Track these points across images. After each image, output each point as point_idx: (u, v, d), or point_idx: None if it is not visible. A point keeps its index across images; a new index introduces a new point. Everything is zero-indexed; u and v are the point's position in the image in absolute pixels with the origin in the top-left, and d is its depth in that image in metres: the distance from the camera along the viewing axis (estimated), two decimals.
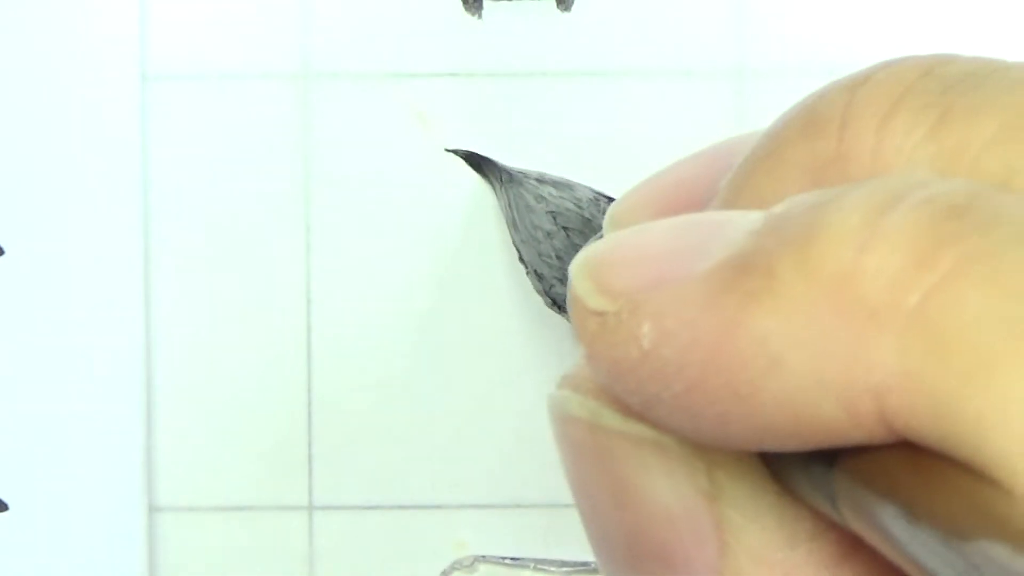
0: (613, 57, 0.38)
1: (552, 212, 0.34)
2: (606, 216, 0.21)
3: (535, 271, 0.35)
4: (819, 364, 0.14)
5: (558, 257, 0.33)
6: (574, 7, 0.38)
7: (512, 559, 0.36)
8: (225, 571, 0.38)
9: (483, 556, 0.36)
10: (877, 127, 0.17)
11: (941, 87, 0.16)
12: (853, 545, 0.16)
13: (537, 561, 0.37)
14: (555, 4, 0.38)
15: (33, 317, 0.38)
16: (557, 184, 0.36)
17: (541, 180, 0.36)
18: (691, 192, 0.20)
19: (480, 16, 0.38)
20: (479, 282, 0.38)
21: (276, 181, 0.38)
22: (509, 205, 0.36)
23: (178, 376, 0.38)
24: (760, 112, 0.38)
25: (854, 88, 0.17)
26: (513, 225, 0.36)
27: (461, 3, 0.38)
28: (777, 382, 0.14)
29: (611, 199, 0.35)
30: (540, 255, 0.34)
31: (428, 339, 0.38)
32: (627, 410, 0.16)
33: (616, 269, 0.16)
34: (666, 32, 0.38)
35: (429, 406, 0.38)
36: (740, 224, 0.15)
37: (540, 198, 0.35)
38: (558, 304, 0.34)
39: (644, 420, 0.16)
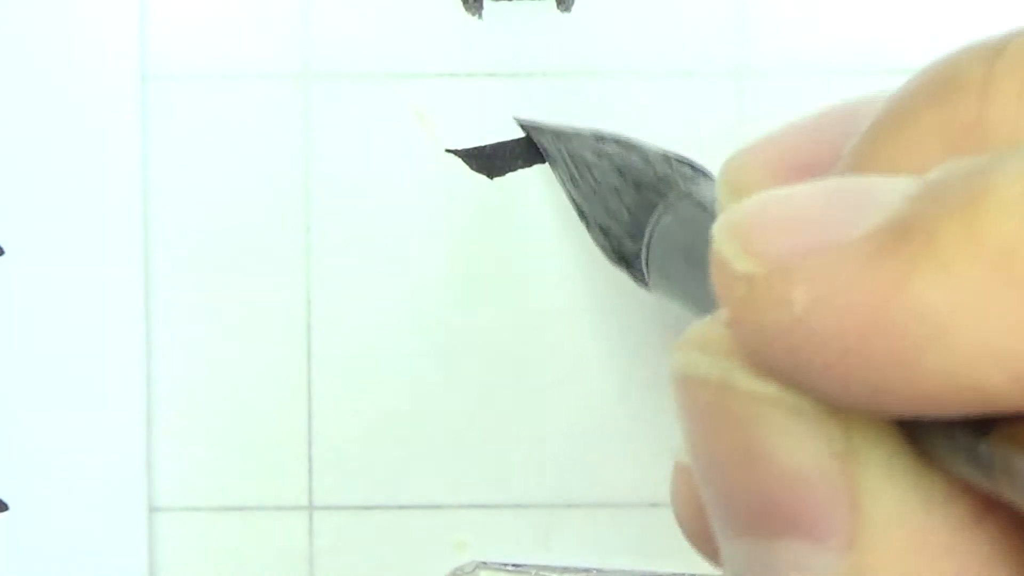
0: (613, 57, 0.38)
1: (619, 168, 0.34)
2: (720, 173, 0.21)
3: (600, 226, 0.34)
4: (988, 332, 0.14)
5: (629, 213, 0.33)
6: (574, 7, 0.38)
7: (514, 565, 0.36)
8: (225, 571, 0.38)
9: (484, 563, 0.36)
10: (1020, 94, 0.17)
11: None
12: (986, 509, 0.16)
13: (539, 567, 0.37)
14: (555, 4, 0.38)
15: (33, 317, 0.38)
16: (619, 141, 0.35)
17: (600, 137, 0.36)
18: (809, 155, 0.20)
19: (480, 16, 0.38)
20: (479, 282, 0.38)
21: (276, 181, 0.38)
22: (566, 161, 0.36)
23: (178, 376, 0.38)
24: (760, 112, 0.38)
25: (992, 56, 0.17)
26: (572, 181, 0.35)
27: (461, 3, 0.38)
28: (941, 350, 0.14)
29: (680, 159, 0.34)
30: (608, 210, 0.34)
31: (428, 339, 0.38)
32: (762, 371, 0.16)
33: (764, 231, 0.16)
34: (666, 32, 0.38)
35: (429, 406, 0.38)
36: (894, 189, 0.15)
37: (602, 154, 0.35)
38: (627, 260, 0.34)
39: (782, 383, 0.16)
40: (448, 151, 0.38)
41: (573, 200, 0.36)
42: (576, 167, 0.35)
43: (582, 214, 0.36)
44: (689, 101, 0.38)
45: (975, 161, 0.15)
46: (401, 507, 0.38)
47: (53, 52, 0.37)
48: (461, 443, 0.38)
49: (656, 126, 0.38)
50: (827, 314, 0.15)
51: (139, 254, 0.38)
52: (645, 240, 0.31)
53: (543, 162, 0.38)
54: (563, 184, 0.36)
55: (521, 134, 0.38)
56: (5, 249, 0.38)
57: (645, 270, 0.32)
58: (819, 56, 0.38)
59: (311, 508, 0.38)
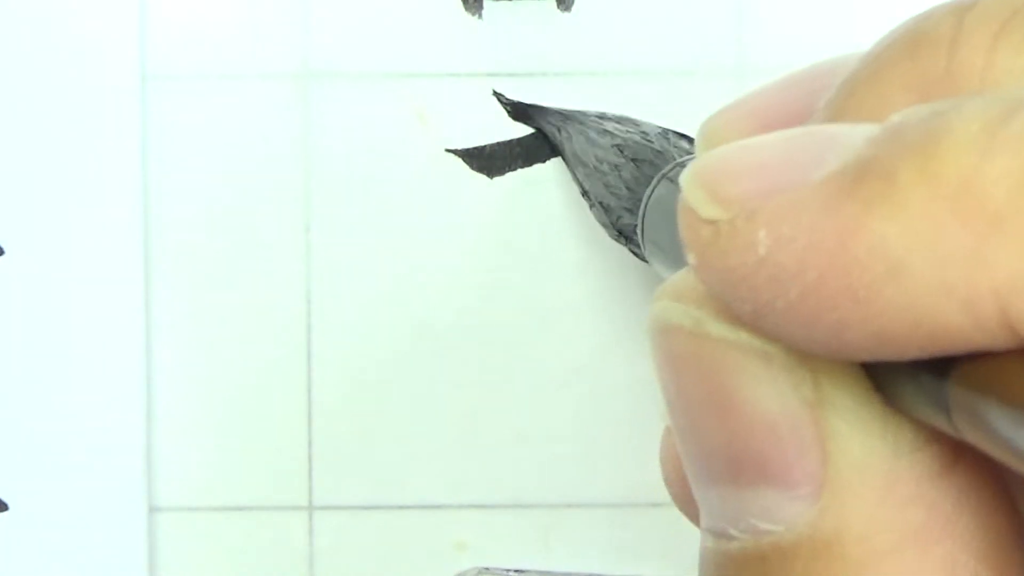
0: (613, 57, 0.38)
1: (618, 145, 0.34)
2: (698, 132, 0.21)
3: (600, 203, 0.35)
4: (941, 267, 0.14)
5: (627, 188, 0.34)
6: (574, 7, 0.38)
7: (516, 571, 0.36)
8: (225, 571, 0.38)
9: (487, 568, 0.36)
10: (988, 47, 0.17)
11: None
12: (955, 457, 0.16)
13: (541, 573, 0.37)
14: (555, 4, 0.38)
15: (33, 317, 0.38)
16: (620, 120, 0.36)
17: (603, 117, 0.36)
18: (786, 112, 0.20)
19: (480, 16, 0.38)
20: (478, 282, 0.38)
21: (276, 181, 0.38)
22: (569, 141, 0.36)
23: (178, 376, 0.38)
24: None
25: (962, 11, 0.17)
26: (575, 159, 0.36)
27: (461, 3, 0.38)
28: (897, 286, 0.14)
29: (679, 134, 0.35)
30: (607, 187, 0.34)
31: (428, 339, 0.38)
32: (732, 318, 0.16)
33: (730, 178, 0.16)
34: (666, 32, 0.38)
35: (429, 406, 0.38)
36: (856, 133, 0.16)
37: (604, 132, 0.35)
38: (625, 235, 0.34)
39: (750, 329, 0.16)
40: (448, 151, 0.38)
41: (576, 179, 0.36)
42: (578, 146, 0.36)
43: (584, 193, 0.36)
44: (689, 101, 0.38)
45: (937, 104, 0.15)
46: (401, 507, 0.38)
47: (53, 52, 0.37)
48: (461, 443, 0.38)
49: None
50: (789, 253, 0.15)
51: (139, 254, 0.38)
52: (640, 212, 0.32)
53: (543, 162, 0.38)
54: (567, 164, 0.37)
55: (521, 134, 0.38)
56: (5, 249, 0.38)
57: (641, 241, 0.32)
58: (818, 56, 0.38)
59: (311, 508, 0.38)
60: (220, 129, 0.38)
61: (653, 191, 0.32)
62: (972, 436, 0.15)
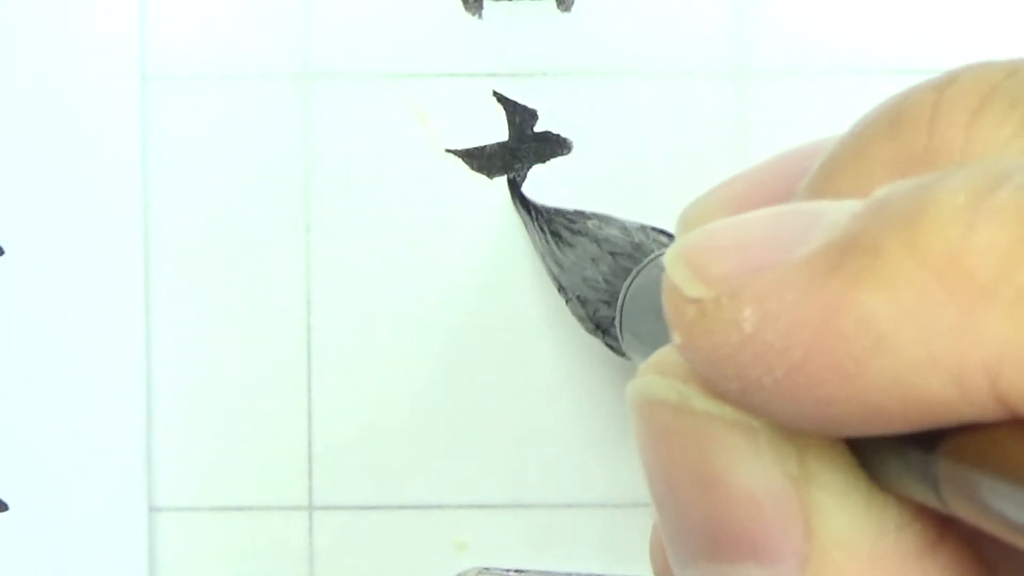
0: (613, 57, 0.38)
1: (597, 240, 0.35)
2: (678, 218, 0.21)
3: (577, 297, 0.35)
4: (929, 341, 0.14)
5: (605, 281, 0.34)
6: (574, 7, 0.38)
7: (517, 571, 0.36)
8: (225, 571, 0.38)
9: (487, 569, 0.36)
10: (967, 123, 0.17)
11: None
12: (940, 535, 0.16)
13: (542, 573, 0.37)
14: (555, 4, 0.38)
15: (33, 317, 0.38)
16: (598, 217, 0.36)
17: (580, 215, 0.36)
18: (764, 196, 0.20)
19: (480, 16, 0.38)
20: (479, 281, 0.38)
21: (276, 181, 0.38)
22: (545, 237, 0.36)
23: (178, 376, 0.38)
24: (760, 112, 0.38)
25: (941, 88, 0.17)
26: (552, 257, 0.36)
27: (461, 3, 0.38)
28: (885, 360, 0.14)
29: (657, 229, 0.35)
30: (585, 280, 0.34)
31: (428, 338, 0.38)
32: (717, 393, 0.16)
33: (713, 256, 0.16)
34: (666, 32, 0.38)
35: (429, 406, 0.38)
36: (841, 208, 0.16)
37: (581, 228, 0.35)
38: (602, 328, 0.34)
39: (736, 404, 0.16)
40: (448, 151, 0.38)
41: (552, 274, 0.36)
42: (557, 245, 0.36)
43: (561, 288, 0.36)
44: (689, 101, 0.38)
45: (920, 179, 0.15)
46: (401, 507, 0.38)
47: (53, 52, 0.37)
48: (461, 443, 0.38)
49: (656, 126, 0.38)
50: (775, 331, 0.15)
51: (139, 254, 0.38)
52: (619, 304, 0.32)
53: (543, 162, 0.38)
54: (543, 259, 0.37)
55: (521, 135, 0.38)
56: (5, 249, 0.38)
57: (620, 334, 0.32)
58: (819, 56, 0.38)
59: (311, 508, 0.38)
60: (220, 129, 0.38)
61: (631, 283, 0.32)
62: (962, 510, 0.15)
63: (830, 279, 0.15)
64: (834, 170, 0.18)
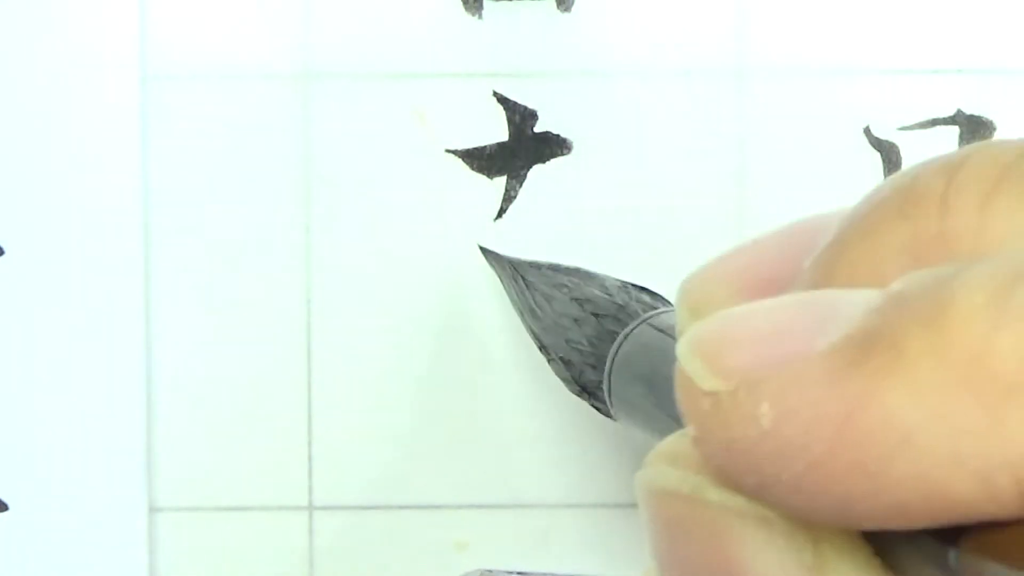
0: (613, 57, 0.38)
1: (578, 299, 0.34)
2: (678, 293, 0.21)
3: (561, 358, 0.35)
4: (954, 440, 0.14)
5: (590, 343, 0.33)
6: (574, 7, 0.38)
7: (519, 574, 0.36)
8: (225, 571, 0.38)
9: (490, 571, 0.36)
10: (979, 206, 0.17)
11: None
12: None
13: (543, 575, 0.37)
14: (555, 4, 0.38)
15: (33, 317, 0.38)
16: (574, 272, 0.35)
17: (555, 269, 0.36)
18: (768, 272, 0.19)
19: (480, 16, 0.38)
20: (479, 282, 0.38)
21: (276, 181, 0.38)
22: (523, 294, 0.36)
23: (178, 376, 0.38)
24: (760, 112, 0.38)
25: (952, 171, 0.17)
26: (531, 313, 0.35)
27: (461, 3, 0.38)
28: (908, 459, 0.14)
29: (638, 287, 0.35)
30: (568, 341, 0.34)
31: (428, 338, 0.38)
32: (732, 486, 0.16)
33: (729, 348, 0.16)
34: (666, 32, 0.38)
35: (429, 406, 0.38)
36: (858, 302, 0.15)
37: (560, 286, 0.35)
38: (588, 391, 0.34)
39: (748, 496, 0.16)
40: (448, 151, 0.38)
41: (533, 333, 0.36)
42: (535, 299, 0.35)
43: (543, 347, 0.35)
44: (689, 101, 0.38)
45: (938, 272, 0.15)
46: (401, 507, 0.38)
47: (53, 52, 0.37)
48: (461, 443, 0.38)
49: (656, 126, 0.38)
50: (794, 428, 0.15)
51: (139, 254, 0.38)
52: (606, 370, 0.32)
53: (543, 163, 0.38)
54: (522, 317, 0.36)
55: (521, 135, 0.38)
56: (5, 249, 0.38)
57: (608, 400, 0.32)
58: (819, 56, 0.38)
59: (311, 508, 0.38)
60: (220, 129, 0.38)
61: (619, 348, 0.32)
62: None
63: (851, 375, 0.15)
64: (843, 251, 0.18)
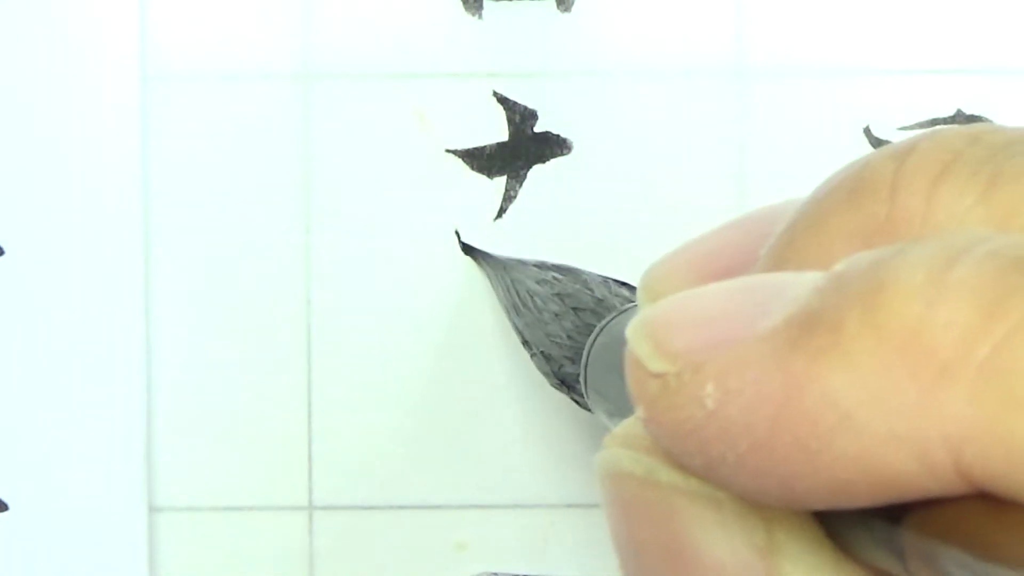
0: (613, 57, 0.38)
1: (559, 294, 0.34)
2: (640, 282, 0.21)
3: (541, 352, 0.35)
4: (892, 418, 0.14)
5: (569, 337, 0.34)
6: (574, 7, 0.38)
7: None
8: (225, 571, 0.38)
9: (495, 574, 0.36)
10: (928, 192, 0.17)
11: (989, 153, 0.17)
12: None
13: None
14: (555, 4, 0.38)
15: (33, 317, 0.38)
16: (559, 268, 0.36)
17: (541, 266, 0.36)
18: (727, 260, 0.20)
19: (480, 16, 0.38)
20: (479, 281, 0.38)
21: (276, 181, 0.38)
22: (508, 290, 0.36)
23: (178, 376, 0.38)
24: (760, 112, 0.38)
25: (902, 156, 0.17)
26: (515, 309, 0.36)
27: (461, 3, 0.38)
28: (848, 437, 0.14)
29: (619, 282, 0.35)
30: (548, 336, 0.34)
31: (428, 339, 0.38)
32: (682, 467, 0.16)
33: (676, 330, 0.16)
34: (666, 32, 0.38)
35: (429, 406, 0.38)
36: (801, 283, 0.16)
37: (543, 282, 0.35)
38: (567, 384, 0.34)
39: (700, 478, 0.16)
40: (448, 151, 0.38)
41: (516, 328, 0.36)
42: (519, 295, 0.36)
43: (525, 343, 0.36)
44: (689, 101, 0.38)
45: (879, 252, 0.15)
46: (401, 507, 0.38)
47: (53, 52, 0.37)
48: (461, 443, 0.38)
49: (656, 126, 0.38)
50: (738, 407, 0.15)
51: (139, 254, 0.38)
52: (583, 362, 0.32)
53: (543, 163, 0.38)
54: (507, 313, 0.37)
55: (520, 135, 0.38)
56: (5, 249, 0.38)
57: (584, 391, 0.32)
58: (819, 56, 0.38)
59: (311, 508, 0.38)
60: (220, 129, 0.38)
61: (595, 340, 0.32)
62: None
63: (792, 355, 0.15)
64: (794, 238, 0.18)
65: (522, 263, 0.36)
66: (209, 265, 0.38)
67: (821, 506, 0.15)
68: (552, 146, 0.38)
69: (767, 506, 0.16)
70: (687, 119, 0.38)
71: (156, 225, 0.38)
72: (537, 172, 0.38)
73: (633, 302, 0.33)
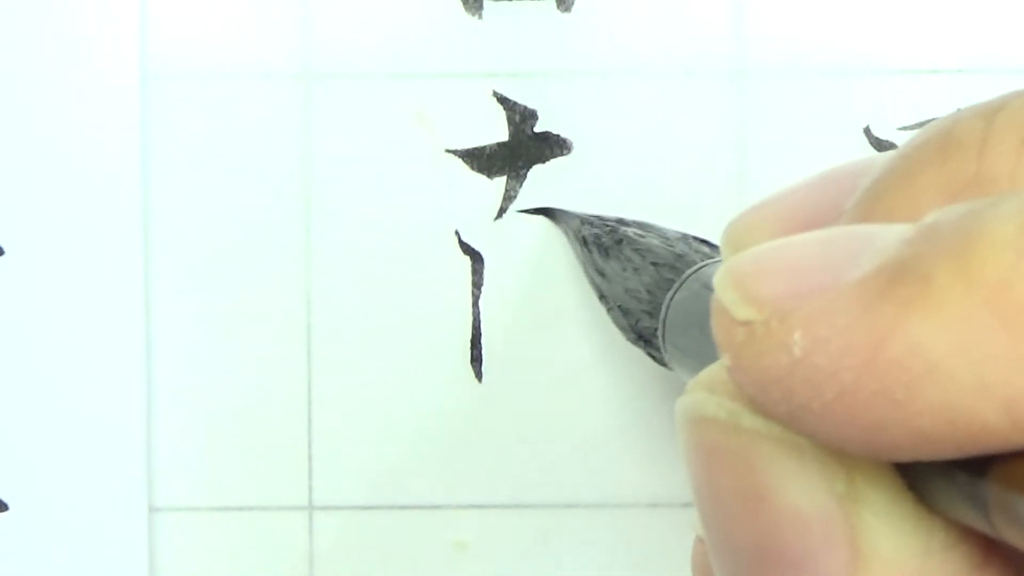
0: (613, 57, 0.38)
1: (638, 249, 0.35)
2: (722, 234, 0.21)
3: (619, 307, 0.35)
4: (980, 369, 0.14)
5: (648, 291, 0.34)
6: (574, 7, 0.38)
7: None
8: (225, 571, 0.38)
9: None
10: (1017, 150, 0.17)
11: None
12: (985, 557, 0.16)
13: None
14: (555, 4, 0.38)
15: (33, 317, 0.38)
16: (638, 225, 0.36)
17: (621, 222, 0.36)
18: (811, 213, 0.20)
19: (480, 16, 0.38)
20: (479, 282, 0.38)
21: (276, 181, 0.38)
22: (587, 247, 0.36)
23: (178, 376, 0.38)
24: (760, 112, 0.38)
25: (991, 114, 0.18)
26: (593, 265, 0.36)
27: (461, 3, 0.38)
28: (935, 388, 0.15)
29: (698, 239, 0.35)
30: (627, 290, 0.34)
31: (428, 338, 0.38)
32: (766, 414, 0.16)
33: (763, 278, 0.16)
34: (666, 32, 0.38)
35: (429, 406, 0.38)
36: (890, 234, 0.16)
37: (622, 237, 0.35)
38: (644, 338, 0.35)
39: (784, 425, 0.16)
40: (448, 151, 0.38)
41: (593, 283, 0.36)
42: (597, 253, 0.36)
43: (602, 297, 0.36)
44: (689, 101, 0.38)
45: (970, 204, 0.15)
46: (401, 507, 0.38)
47: (53, 52, 0.37)
48: (461, 443, 0.38)
49: (656, 126, 0.38)
50: (825, 355, 0.15)
51: (139, 255, 0.38)
52: (662, 316, 0.32)
53: (543, 163, 0.38)
54: (584, 269, 0.37)
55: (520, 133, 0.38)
56: (5, 249, 0.38)
57: (663, 346, 0.32)
58: (819, 56, 0.38)
59: (311, 508, 0.38)
60: (220, 129, 0.38)
61: (675, 295, 0.32)
62: (1012, 535, 0.15)
63: (881, 305, 0.15)
64: (882, 192, 0.18)
65: (601, 218, 0.37)
66: (209, 265, 0.38)
67: (905, 457, 0.15)
68: (552, 146, 0.38)
69: (849, 456, 0.16)
70: (687, 119, 0.38)
71: (156, 225, 0.38)
72: (537, 172, 0.38)
73: (712, 258, 0.33)
